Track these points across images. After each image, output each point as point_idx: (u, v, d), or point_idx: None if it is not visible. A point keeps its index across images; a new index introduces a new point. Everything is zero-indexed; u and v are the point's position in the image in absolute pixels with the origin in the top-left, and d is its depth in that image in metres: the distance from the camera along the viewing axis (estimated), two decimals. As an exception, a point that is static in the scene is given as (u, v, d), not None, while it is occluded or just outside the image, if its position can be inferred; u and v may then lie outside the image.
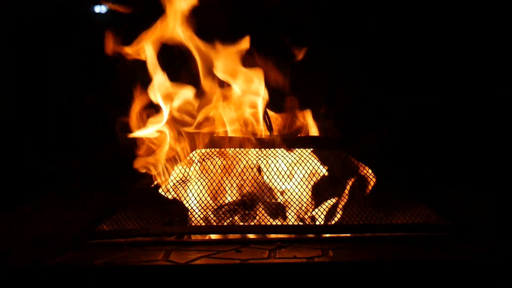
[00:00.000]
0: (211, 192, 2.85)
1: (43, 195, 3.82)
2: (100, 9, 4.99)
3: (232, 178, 2.85)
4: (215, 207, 2.82)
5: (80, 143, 4.86)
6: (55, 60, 4.99)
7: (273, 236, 2.74)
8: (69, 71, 5.02)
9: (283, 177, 2.86)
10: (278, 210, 2.80)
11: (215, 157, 2.88)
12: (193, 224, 2.78)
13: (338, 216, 2.81)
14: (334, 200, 2.84)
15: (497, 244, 2.61)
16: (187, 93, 3.02)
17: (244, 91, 3.05)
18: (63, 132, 4.99)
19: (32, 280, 2.39)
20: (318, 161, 2.89)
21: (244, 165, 2.87)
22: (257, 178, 2.88)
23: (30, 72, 4.96)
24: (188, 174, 2.86)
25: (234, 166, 2.85)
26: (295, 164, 2.88)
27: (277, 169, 2.86)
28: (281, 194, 2.86)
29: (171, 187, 2.85)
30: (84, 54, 4.97)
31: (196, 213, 2.79)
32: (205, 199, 2.83)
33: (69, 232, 2.84)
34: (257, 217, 2.80)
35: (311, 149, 2.92)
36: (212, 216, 2.79)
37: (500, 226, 2.86)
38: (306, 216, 2.83)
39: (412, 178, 2.97)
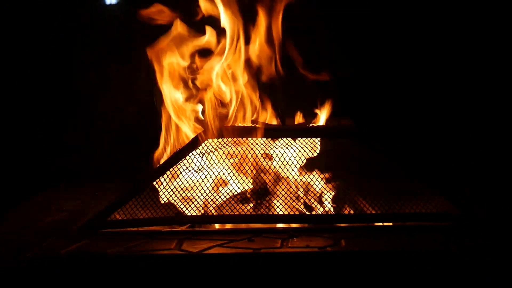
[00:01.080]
0: (224, 181, 2.85)
1: (50, 188, 3.84)
2: (110, 0, 4.98)
3: (244, 168, 2.85)
4: (228, 196, 2.83)
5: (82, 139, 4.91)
6: (56, 55, 5.01)
7: (285, 225, 2.74)
8: (71, 67, 5.04)
9: (295, 166, 2.85)
10: (290, 199, 2.80)
11: (227, 146, 2.88)
12: (205, 213, 2.79)
13: (351, 205, 2.80)
14: (346, 190, 2.84)
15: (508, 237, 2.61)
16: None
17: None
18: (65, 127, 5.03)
19: (46, 268, 2.40)
20: (330, 150, 2.88)
21: (256, 155, 2.86)
22: (269, 167, 2.88)
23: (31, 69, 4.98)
24: (200, 164, 2.86)
25: (246, 156, 2.85)
26: (307, 154, 2.87)
27: (289, 158, 2.85)
28: (293, 183, 2.86)
29: (183, 177, 2.85)
30: (89, 48, 4.99)
31: (209, 202, 2.80)
32: (218, 188, 2.83)
33: (81, 221, 2.85)
34: (270, 207, 2.80)
35: (324, 138, 2.91)
36: (224, 205, 2.79)
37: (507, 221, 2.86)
38: (318, 206, 2.83)
39: (423, 168, 2.95)
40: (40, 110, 5.07)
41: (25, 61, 5.04)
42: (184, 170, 2.84)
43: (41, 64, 5.03)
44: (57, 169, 4.51)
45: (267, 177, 2.86)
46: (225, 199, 2.82)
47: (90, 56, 5.10)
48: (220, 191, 2.84)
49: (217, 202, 2.81)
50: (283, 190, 2.81)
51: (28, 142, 4.93)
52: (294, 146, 2.88)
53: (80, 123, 5.19)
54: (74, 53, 5.12)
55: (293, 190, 2.82)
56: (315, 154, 2.87)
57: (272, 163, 2.88)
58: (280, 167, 2.87)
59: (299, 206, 2.78)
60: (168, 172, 2.83)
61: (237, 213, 2.76)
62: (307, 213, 2.78)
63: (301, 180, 2.85)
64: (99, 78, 5.12)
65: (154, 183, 2.84)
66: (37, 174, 4.41)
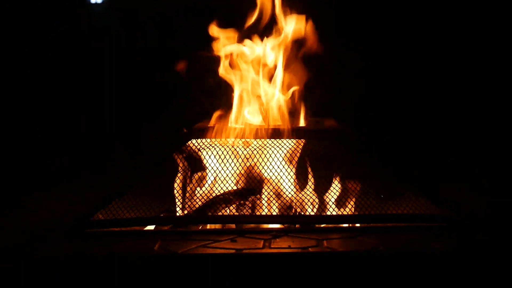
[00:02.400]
0: (207, 182, 2.87)
1: (43, 190, 3.86)
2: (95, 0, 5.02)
3: (227, 168, 2.86)
4: (211, 197, 2.84)
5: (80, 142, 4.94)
6: (56, 55, 5.05)
7: (268, 226, 2.75)
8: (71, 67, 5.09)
9: (278, 167, 2.86)
10: (273, 200, 2.81)
11: (211, 147, 2.89)
12: (188, 214, 2.80)
13: (334, 206, 2.81)
14: (329, 190, 2.84)
15: (493, 235, 2.62)
16: None
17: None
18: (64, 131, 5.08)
19: (30, 270, 2.40)
20: (314, 151, 2.88)
21: (240, 155, 2.88)
22: (253, 168, 2.89)
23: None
24: (183, 164, 2.88)
25: (230, 156, 2.86)
26: (291, 155, 2.88)
27: (272, 159, 2.86)
28: (277, 184, 2.86)
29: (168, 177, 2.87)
30: (86, 49, 5.03)
31: (192, 203, 2.81)
32: (201, 188, 2.85)
33: (66, 222, 2.87)
34: (253, 207, 2.81)
35: (307, 140, 2.92)
36: (207, 206, 2.80)
37: (497, 220, 2.85)
38: (301, 206, 2.83)
39: (409, 169, 2.95)
40: (40, 110, 5.12)
41: (25, 61, 5.08)
42: (169, 170, 2.86)
43: (41, 64, 5.08)
44: (57, 169, 4.56)
45: (250, 178, 2.87)
46: (208, 199, 2.83)
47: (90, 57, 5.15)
48: (204, 192, 2.85)
49: (200, 203, 2.82)
50: (266, 190, 2.82)
51: (28, 141, 4.97)
52: (278, 146, 2.89)
53: (80, 123, 5.23)
54: (74, 53, 5.16)
55: (276, 190, 2.83)
56: (298, 154, 2.87)
57: (254, 164, 2.89)
58: (263, 167, 2.88)
59: (282, 207, 2.79)
60: (153, 172, 2.85)
61: (220, 213, 2.77)
62: (290, 213, 2.78)
63: (284, 180, 2.85)
64: (98, 79, 5.17)
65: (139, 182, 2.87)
66: (37, 174, 4.45)
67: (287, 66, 3.12)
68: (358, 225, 2.78)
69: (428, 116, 4.97)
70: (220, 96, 3.17)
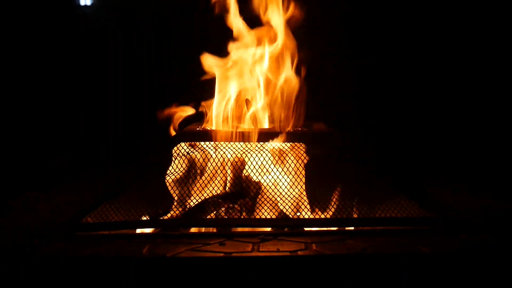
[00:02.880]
0: (196, 185, 2.86)
1: (43, 190, 3.87)
2: (85, 1, 5.02)
3: (216, 172, 2.85)
4: (200, 200, 2.83)
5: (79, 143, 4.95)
6: (56, 55, 5.06)
7: (257, 229, 2.74)
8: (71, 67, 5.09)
9: (267, 170, 2.85)
10: (262, 203, 2.79)
11: (200, 150, 2.88)
12: (177, 217, 2.79)
13: (322, 209, 2.79)
14: (318, 193, 2.83)
15: (480, 236, 2.61)
16: None
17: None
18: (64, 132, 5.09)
19: (18, 271, 2.41)
20: (302, 154, 2.87)
21: (229, 159, 2.87)
22: (242, 171, 2.88)
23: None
24: (173, 167, 2.88)
25: (219, 159, 2.85)
26: (279, 158, 2.87)
27: (261, 162, 2.85)
28: (265, 187, 2.85)
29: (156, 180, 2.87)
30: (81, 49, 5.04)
31: (181, 206, 2.80)
32: (190, 192, 2.84)
33: (56, 224, 2.87)
34: (241, 211, 2.80)
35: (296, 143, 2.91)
36: (196, 209, 2.79)
37: (487, 220, 2.83)
38: (290, 210, 2.82)
39: (398, 172, 2.94)
40: (40, 110, 5.13)
41: (25, 61, 5.10)
42: (157, 174, 2.86)
43: (41, 64, 5.09)
44: (57, 169, 4.57)
45: (239, 181, 2.86)
46: (197, 202, 2.82)
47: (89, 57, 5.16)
48: (193, 195, 2.85)
49: (189, 206, 2.81)
50: (255, 194, 2.81)
51: (28, 141, 4.99)
52: (267, 150, 2.88)
53: (79, 123, 5.24)
54: (73, 54, 5.17)
55: (265, 194, 2.82)
56: (287, 158, 2.86)
57: (244, 167, 2.88)
58: (252, 171, 2.87)
59: (271, 210, 2.78)
60: (143, 175, 2.85)
61: (209, 217, 2.76)
62: (279, 217, 2.77)
63: (273, 183, 2.84)
64: (97, 79, 5.18)
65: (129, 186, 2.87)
66: (37, 174, 4.47)
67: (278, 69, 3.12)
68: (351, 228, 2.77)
69: (427, 116, 4.95)
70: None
